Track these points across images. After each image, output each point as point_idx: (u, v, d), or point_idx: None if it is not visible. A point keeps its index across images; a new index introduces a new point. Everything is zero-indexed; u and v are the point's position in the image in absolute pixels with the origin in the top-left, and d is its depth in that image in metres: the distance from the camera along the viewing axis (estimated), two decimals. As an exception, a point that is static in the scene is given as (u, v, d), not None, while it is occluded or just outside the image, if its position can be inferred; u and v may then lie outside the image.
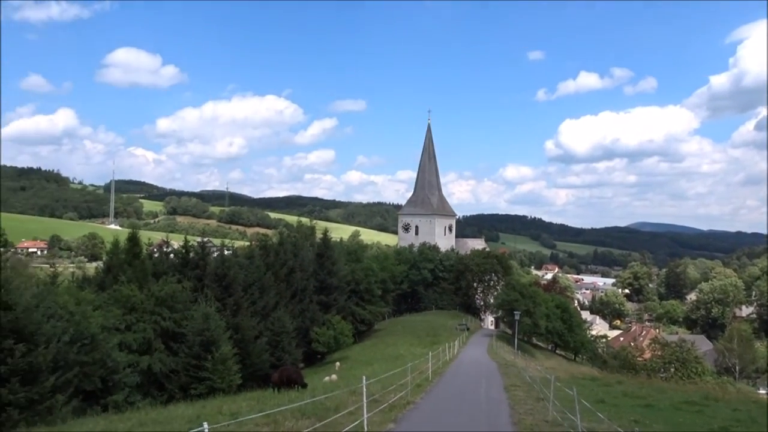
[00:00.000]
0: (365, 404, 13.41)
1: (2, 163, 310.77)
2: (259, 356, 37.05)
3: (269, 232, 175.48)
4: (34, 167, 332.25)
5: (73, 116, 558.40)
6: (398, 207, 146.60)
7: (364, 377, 13.90)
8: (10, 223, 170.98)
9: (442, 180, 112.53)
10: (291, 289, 53.72)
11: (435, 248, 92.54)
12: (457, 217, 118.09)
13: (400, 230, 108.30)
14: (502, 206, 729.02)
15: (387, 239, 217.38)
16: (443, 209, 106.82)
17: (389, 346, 53.72)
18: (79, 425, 14.74)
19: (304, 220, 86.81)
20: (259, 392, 25.64)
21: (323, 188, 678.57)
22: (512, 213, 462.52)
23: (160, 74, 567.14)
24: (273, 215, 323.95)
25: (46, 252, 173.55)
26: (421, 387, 22.82)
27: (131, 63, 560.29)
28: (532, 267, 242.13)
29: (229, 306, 39.19)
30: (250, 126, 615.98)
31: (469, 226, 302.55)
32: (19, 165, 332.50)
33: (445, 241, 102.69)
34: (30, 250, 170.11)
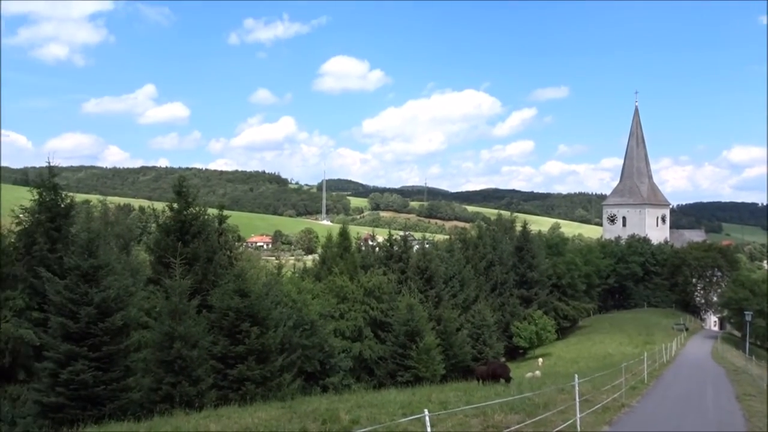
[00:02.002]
0: (578, 403, 12.86)
1: (236, 169, 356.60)
2: (460, 348, 37.51)
3: (467, 225, 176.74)
4: (259, 171, 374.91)
5: (292, 123, 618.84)
6: (602, 197, 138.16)
7: (575, 376, 13.35)
8: (242, 220, 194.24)
9: (652, 166, 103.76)
10: (490, 283, 53.62)
11: (645, 240, 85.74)
12: (671, 206, 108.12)
13: (605, 222, 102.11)
14: (727, 193, 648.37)
15: (589, 231, 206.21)
16: (654, 198, 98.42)
17: (596, 344, 51.05)
18: (306, 402, 16.25)
19: (503, 212, 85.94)
20: (464, 384, 25.95)
21: (521, 180, 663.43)
22: (739, 200, 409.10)
23: (368, 79, 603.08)
24: (470, 209, 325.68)
25: (270, 246, 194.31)
26: (637, 390, 21.24)
27: (343, 70, 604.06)
28: (766, 261, 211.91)
29: (431, 298, 40.26)
30: (449, 121, 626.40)
31: (685, 216, 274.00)
32: (248, 169, 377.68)
33: (657, 232, 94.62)
34: (258, 244, 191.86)
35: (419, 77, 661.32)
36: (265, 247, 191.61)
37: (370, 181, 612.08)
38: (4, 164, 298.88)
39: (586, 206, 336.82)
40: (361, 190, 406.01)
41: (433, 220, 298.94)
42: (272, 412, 14.17)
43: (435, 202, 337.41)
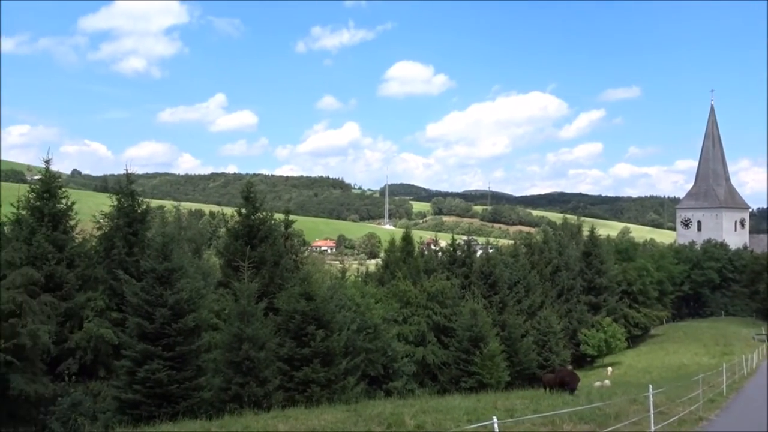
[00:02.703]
0: (652, 415, 12.37)
1: (300, 174, 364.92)
2: (526, 355, 36.84)
3: (531, 230, 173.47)
4: (323, 176, 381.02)
5: (357, 129, 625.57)
6: (676, 200, 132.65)
7: (650, 386, 12.84)
8: (307, 224, 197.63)
9: (730, 168, 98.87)
10: (557, 288, 52.42)
11: (722, 246, 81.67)
12: (751, 209, 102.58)
13: (679, 226, 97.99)
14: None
15: (661, 236, 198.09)
16: (732, 201, 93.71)
17: (669, 354, 48.98)
18: (371, 406, 16.35)
19: (569, 216, 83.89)
20: (531, 391, 25.44)
21: (588, 183, 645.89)
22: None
23: (432, 83, 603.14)
24: (535, 213, 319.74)
25: (334, 250, 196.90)
26: (715, 403, 20.21)
27: (407, 75, 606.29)
28: None
29: (495, 303, 39.74)
30: (514, 124, 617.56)
31: (766, 220, 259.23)
32: (313, 175, 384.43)
33: (735, 237, 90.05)
34: (322, 248, 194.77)
35: (484, 80, 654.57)
36: (329, 251, 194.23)
37: (433, 185, 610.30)
38: (85, 172, 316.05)
39: (658, 210, 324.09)
40: (424, 195, 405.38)
41: (496, 225, 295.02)
42: (338, 415, 14.34)
43: (498, 207, 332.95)
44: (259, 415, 14.79)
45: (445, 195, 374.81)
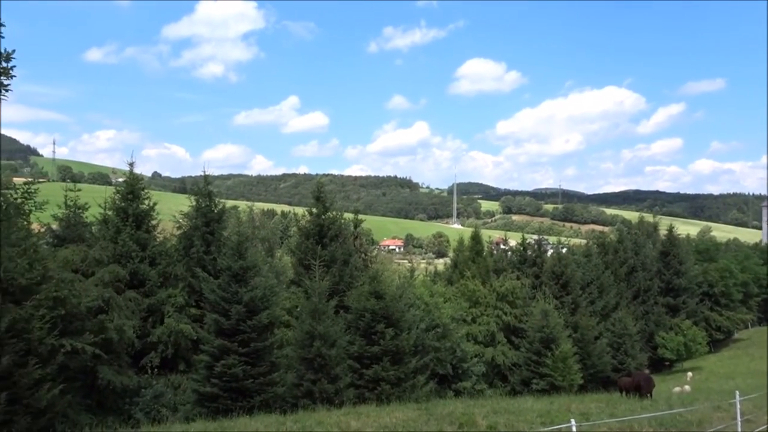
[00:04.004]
0: (739, 423, 11.76)
1: (368, 174, 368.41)
2: (599, 358, 35.72)
3: (605, 229, 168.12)
4: (391, 175, 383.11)
5: (426, 128, 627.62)
6: (762, 198, 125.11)
7: (737, 393, 12.19)
8: (375, 224, 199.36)
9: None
10: (632, 289, 50.65)
11: (816, 246, 76.41)
12: None
13: (765, 225, 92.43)
14: None
15: (746, 235, 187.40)
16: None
17: (755, 360, 46.30)
18: (442, 405, 16.33)
19: (645, 215, 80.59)
20: (605, 395, 24.67)
21: (666, 180, 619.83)
22: None
23: (504, 80, 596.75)
24: (608, 211, 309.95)
25: (402, 249, 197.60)
26: (808, 413, 18.95)
27: (479, 72, 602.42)
28: None
29: (566, 304, 38.79)
30: (587, 120, 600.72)
31: None
32: (381, 174, 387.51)
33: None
34: (390, 247, 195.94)
35: (557, 76, 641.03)
36: (397, 250, 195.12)
37: (502, 184, 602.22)
38: (165, 174, 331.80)
39: (742, 208, 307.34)
40: (493, 194, 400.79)
41: (568, 224, 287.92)
42: (409, 413, 14.39)
43: (570, 205, 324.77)
44: (331, 411, 15.05)
45: (515, 194, 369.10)
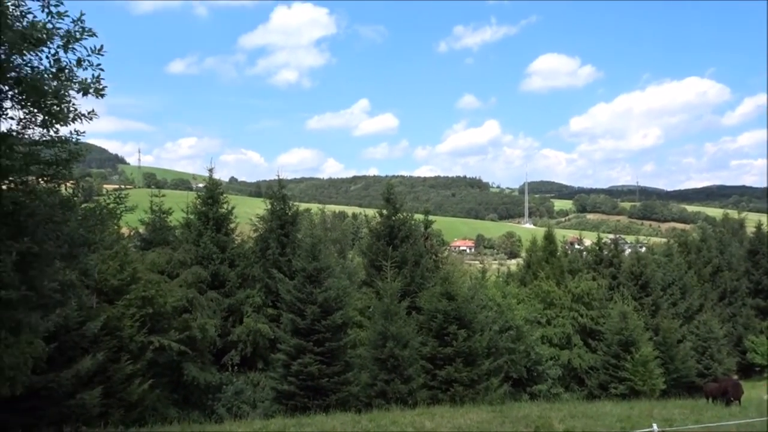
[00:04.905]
0: (838, 434, 11.02)
1: (437, 174, 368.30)
2: (683, 362, 34.22)
3: (686, 226, 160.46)
4: (460, 176, 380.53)
5: (497, 126, 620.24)
6: None
7: (834, 401, 11.42)
8: (445, 225, 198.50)
9: None
10: (718, 291, 48.19)
11: None
12: None
13: None
14: None
15: None
16: None
17: None
18: (516, 408, 16.15)
19: (731, 212, 76.24)
20: (690, 401, 23.61)
21: (754, 175, 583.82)
22: None
23: (577, 75, 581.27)
24: (690, 209, 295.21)
25: (473, 250, 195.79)
26: None
27: (552, 68, 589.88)
28: None
29: (646, 306, 37.39)
30: (667, 114, 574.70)
31: None
32: (451, 174, 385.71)
33: None
34: (461, 248, 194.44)
35: (633, 69, 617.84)
36: (467, 251, 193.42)
37: (575, 182, 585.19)
38: (241, 179, 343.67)
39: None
40: (566, 192, 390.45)
41: (646, 222, 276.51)
42: (483, 415, 14.32)
43: (649, 202, 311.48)
44: (405, 411, 15.18)
45: (589, 192, 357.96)
